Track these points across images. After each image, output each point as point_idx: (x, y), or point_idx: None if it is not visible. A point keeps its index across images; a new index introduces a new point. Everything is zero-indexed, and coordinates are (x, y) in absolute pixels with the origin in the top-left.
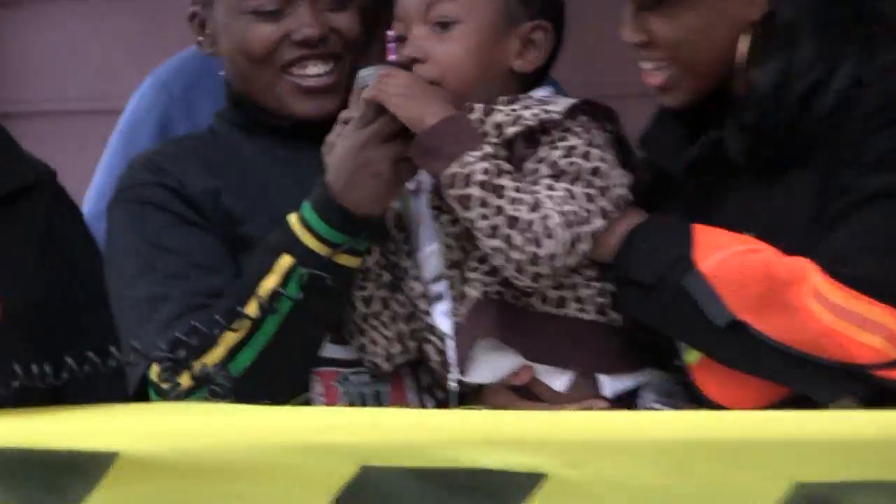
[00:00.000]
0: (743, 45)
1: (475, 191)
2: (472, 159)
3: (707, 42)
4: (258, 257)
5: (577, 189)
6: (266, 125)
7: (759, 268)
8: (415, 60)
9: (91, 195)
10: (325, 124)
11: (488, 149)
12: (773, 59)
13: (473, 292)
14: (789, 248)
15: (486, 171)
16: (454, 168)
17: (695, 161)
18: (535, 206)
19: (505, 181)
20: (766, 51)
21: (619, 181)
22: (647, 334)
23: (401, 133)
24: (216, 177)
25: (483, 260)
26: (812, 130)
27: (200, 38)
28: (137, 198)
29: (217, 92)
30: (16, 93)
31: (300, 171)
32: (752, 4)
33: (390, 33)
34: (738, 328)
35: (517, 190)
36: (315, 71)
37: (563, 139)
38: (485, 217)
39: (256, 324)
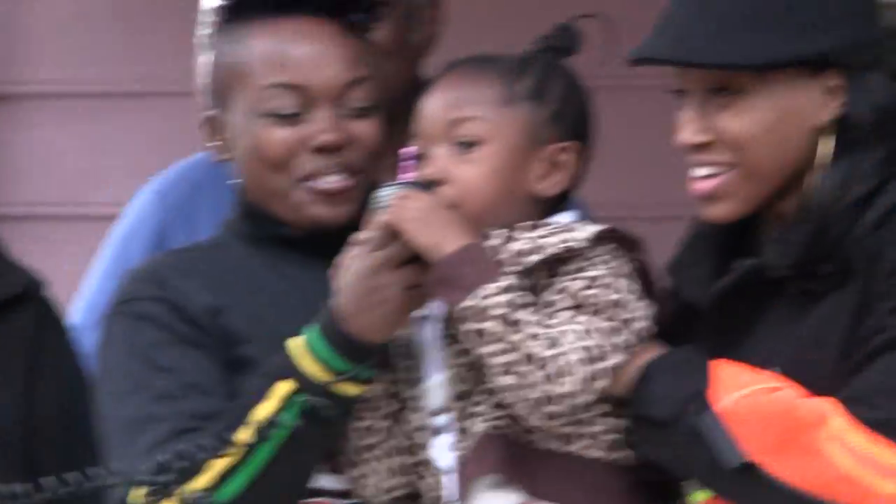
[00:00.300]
0: (824, 146)
1: (492, 325)
2: (490, 292)
3: (777, 142)
4: (256, 381)
5: (599, 323)
6: (276, 237)
7: (778, 408)
8: (434, 182)
9: (80, 306)
10: (338, 239)
11: (508, 281)
12: (841, 162)
13: (478, 427)
14: (816, 382)
15: (504, 305)
16: (471, 301)
17: (725, 290)
18: (553, 343)
19: (524, 315)
20: (835, 154)
21: (641, 313)
22: (657, 473)
23: (414, 258)
24: (218, 293)
25: (490, 392)
26: (856, 249)
27: (214, 143)
28: (134, 312)
29: (218, 203)
30: (9, 194)
31: (308, 292)
32: (826, 105)
33: (408, 150)
34: (751, 470)
35: (536, 324)
36: (331, 182)
37: (585, 269)
38: (500, 353)
39: (249, 451)
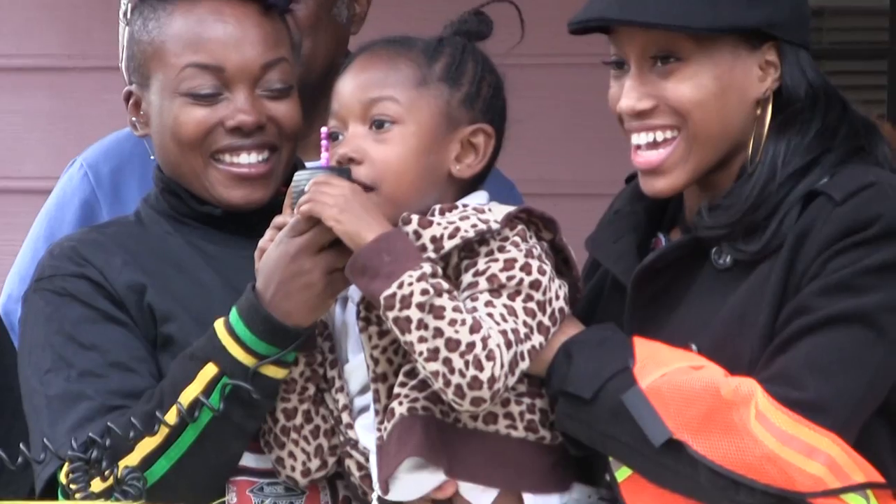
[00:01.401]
0: (762, 118)
1: (414, 313)
2: (410, 279)
3: (720, 109)
4: (181, 363)
5: (517, 304)
6: (195, 214)
7: (702, 387)
8: (350, 160)
9: (12, 280)
10: (258, 217)
11: (427, 268)
12: (778, 135)
13: (400, 408)
14: (737, 358)
15: (424, 292)
16: (392, 289)
17: (651, 265)
18: (475, 327)
19: (444, 301)
20: (777, 128)
21: (557, 293)
22: (579, 449)
23: (334, 242)
24: (141, 271)
25: (411, 374)
26: (785, 223)
27: (133, 119)
28: (56, 288)
29: (145, 177)
30: None
31: (229, 269)
32: (764, 79)
33: (324, 130)
34: (675, 447)
35: (456, 310)
36: (248, 160)
37: (501, 250)
38: (423, 339)
39: (175, 432)
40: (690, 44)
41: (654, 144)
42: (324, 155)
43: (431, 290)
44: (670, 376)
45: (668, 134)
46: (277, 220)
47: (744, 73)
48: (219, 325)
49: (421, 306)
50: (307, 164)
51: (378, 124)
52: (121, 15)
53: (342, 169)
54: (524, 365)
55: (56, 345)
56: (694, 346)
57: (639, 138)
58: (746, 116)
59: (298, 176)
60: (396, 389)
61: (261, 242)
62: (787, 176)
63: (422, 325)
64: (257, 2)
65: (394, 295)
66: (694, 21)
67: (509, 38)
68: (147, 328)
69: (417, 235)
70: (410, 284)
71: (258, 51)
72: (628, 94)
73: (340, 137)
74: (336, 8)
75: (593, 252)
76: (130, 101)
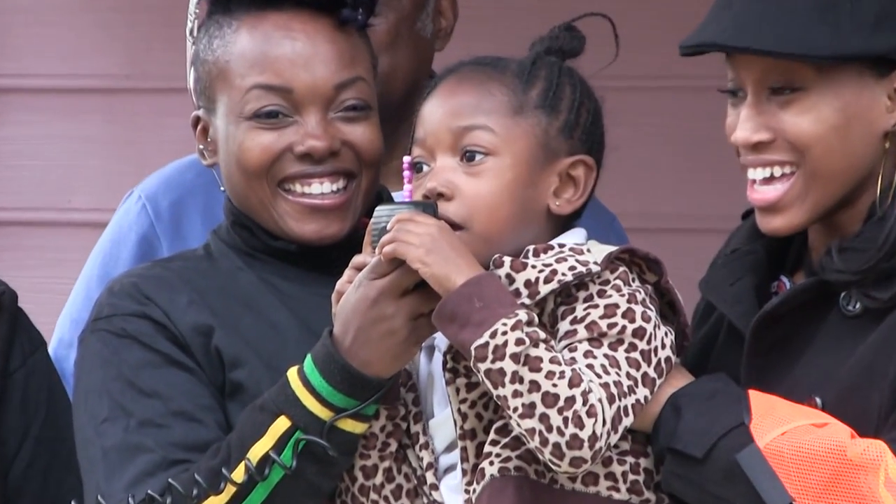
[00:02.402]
0: (892, 153)
1: (508, 365)
2: (504, 328)
3: (842, 143)
4: (251, 415)
5: (620, 354)
6: (268, 249)
7: (826, 448)
8: (439, 196)
9: (63, 323)
10: (338, 252)
11: (522, 315)
12: None
13: (491, 468)
14: (863, 415)
15: (519, 342)
16: (484, 338)
17: (772, 311)
18: (574, 380)
19: (541, 352)
20: None
21: (663, 342)
22: None
23: (419, 285)
24: (208, 310)
25: (503, 431)
26: None
27: (201, 146)
28: (116, 329)
29: (209, 210)
30: None
31: (306, 309)
32: (891, 110)
33: (406, 159)
34: None
35: (554, 361)
36: (320, 190)
37: (601, 294)
38: (518, 394)
39: (243, 490)
40: (811, 72)
41: (770, 179)
42: (406, 187)
43: (527, 340)
44: (791, 435)
45: (787, 169)
46: (357, 259)
47: (870, 104)
48: (292, 374)
49: (515, 357)
50: (394, 196)
51: (470, 156)
52: (187, 32)
53: (428, 204)
54: (628, 421)
55: (114, 391)
56: (818, 400)
57: (755, 173)
58: (874, 151)
59: (379, 211)
60: (487, 448)
61: (339, 284)
62: None
63: (516, 378)
64: (330, 16)
65: (486, 345)
66: (815, 48)
67: (609, 57)
68: (214, 374)
69: (511, 280)
70: (504, 334)
71: (331, 70)
72: (744, 125)
73: (425, 168)
74: (420, 21)
75: (707, 294)
76: (198, 127)
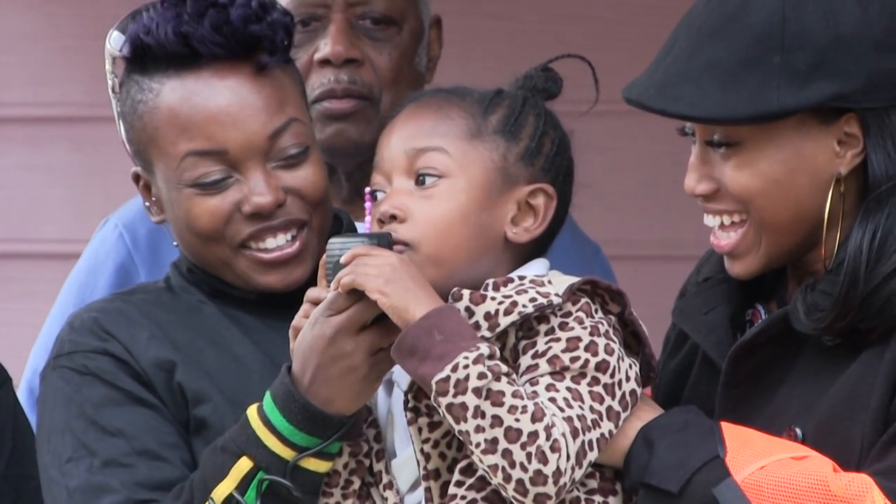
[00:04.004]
0: (842, 200)
1: (470, 399)
2: (466, 361)
3: (787, 195)
4: (212, 456)
5: (583, 388)
6: (227, 293)
7: (809, 483)
8: (392, 218)
9: (38, 354)
10: (299, 287)
11: (484, 349)
12: (868, 219)
13: None
14: (843, 446)
15: (481, 376)
16: (445, 372)
17: (749, 340)
18: (537, 415)
19: (503, 385)
20: (865, 210)
21: (627, 374)
22: None
23: (377, 319)
24: (170, 345)
25: (467, 471)
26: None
27: (147, 204)
28: (77, 366)
29: None
30: None
31: (270, 343)
32: (840, 156)
33: (367, 189)
34: None
35: (516, 395)
36: (275, 243)
37: (563, 327)
38: (480, 429)
39: None
40: (746, 128)
41: (725, 227)
42: (367, 219)
43: (489, 374)
44: (771, 469)
45: (736, 218)
46: (311, 293)
47: (815, 152)
48: (252, 412)
49: (477, 392)
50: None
51: (423, 179)
52: (109, 90)
53: (382, 235)
54: (593, 455)
55: (77, 430)
56: (798, 431)
57: (708, 219)
58: (824, 197)
59: (332, 245)
60: (452, 489)
61: (295, 320)
62: (883, 277)
63: (478, 412)
64: (249, 61)
65: (447, 379)
66: (734, 110)
67: (589, 87)
68: (178, 410)
69: (470, 312)
70: (466, 367)
71: (261, 121)
72: (690, 175)
73: (380, 195)
74: (417, 56)
75: (681, 323)
76: (140, 183)
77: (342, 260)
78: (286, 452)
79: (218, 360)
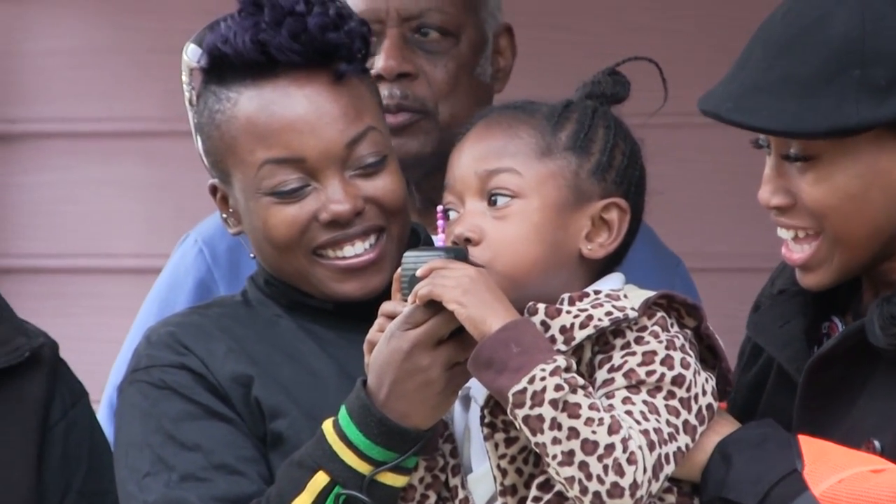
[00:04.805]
0: None
1: (547, 411)
2: (542, 373)
3: (862, 210)
4: (288, 470)
5: (659, 402)
6: (305, 305)
7: (888, 495)
8: (466, 241)
9: (120, 366)
10: (375, 299)
11: (560, 361)
12: None
13: None
14: None
15: (558, 388)
16: (522, 384)
17: (827, 353)
18: (613, 427)
19: (579, 398)
20: None
21: (703, 388)
22: None
23: (453, 333)
24: (247, 359)
25: (545, 487)
26: None
27: (224, 216)
28: (154, 380)
29: None
30: (12, 246)
31: (347, 357)
32: None
33: (440, 207)
34: None
35: (593, 408)
36: (353, 251)
37: (639, 341)
38: (557, 441)
39: None
40: (822, 142)
41: (798, 239)
42: (440, 234)
43: (566, 386)
44: (849, 482)
45: (811, 231)
46: (387, 307)
47: (890, 167)
48: (328, 427)
49: (554, 404)
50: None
51: (495, 200)
52: (186, 102)
53: (457, 250)
54: (669, 469)
55: (154, 445)
56: (877, 443)
57: (781, 232)
58: None
59: (407, 258)
60: None
61: (370, 334)
62: None
63: (555, 424)
64: (327, 70)
65: (524, 391)
66: (812, 124)
67: (656, 97)
68: (255, 424)
69: (546, 326)
70: (543, 379)
71: (339, 129)
72: (764, 187)
73: (454, 215)
74: (479, 66)
75: (756, 337)
76: (217, 196)
77: (418, 273)
78: (363, 467)
79: (294, 374)
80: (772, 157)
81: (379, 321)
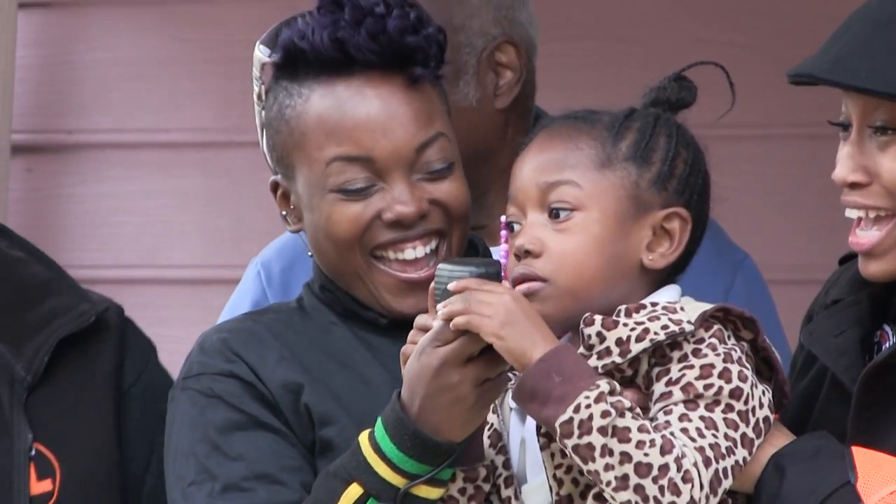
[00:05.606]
0: None
1: (596, 438)
2: (587, 401)
3: None
4: (324, 481)
5: (717, 416)
6: (358, 315)
7: None
8: (527, 253)
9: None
10: None
11: (604, 385)
12: None
13: None
14: None
15: (605, 414)
16: (568, 413)
17: (882, 362)
18: (665, 447)
19: (628, 421)
20: None
21: (760, 401)
22: None
23: (484, 350)
24: (298, 367)
25: (601, 497)
26: None
27: (283, 213)
28: (203, 388)
29: None
30: (70, 257)
31: (396, 366)
32: None
33: (502, 218)
34: None
35: (642, 430)
36: (413, 254)
37: (696, 354)
38: (610, 467)
39: None
40: None
41: (870, 222)
42: (503, 246)
43: (613, 412)
44: None
45: (883, 213)
46: (420, 320)
47: None
48: (363, 439)
49: (603, 430)
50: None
51: (556, 212)
52: (255, 97)
53: (490, 263)
54: (727, 483)
55: (200, 454)
56: None
57: (850, 212)
58: None
59: (441, 270)
60: None
61: (404, 347)
62: None
63: (606, 451)
64: (402, 74)
65: (570, 420)
66: None
67: (719, 108)
68: (304, 432)
69: (601, 338)
70: (588, 407)
71: (410, 132)
72: (842, 163)
73: (517, 227)
74: (458, 93)
75: (811, 346)
76: (278, 193)
77: (450, 287)
78: (397, 480)
79: (346, 382)
80: (853, 133)
81: (412, 334)
